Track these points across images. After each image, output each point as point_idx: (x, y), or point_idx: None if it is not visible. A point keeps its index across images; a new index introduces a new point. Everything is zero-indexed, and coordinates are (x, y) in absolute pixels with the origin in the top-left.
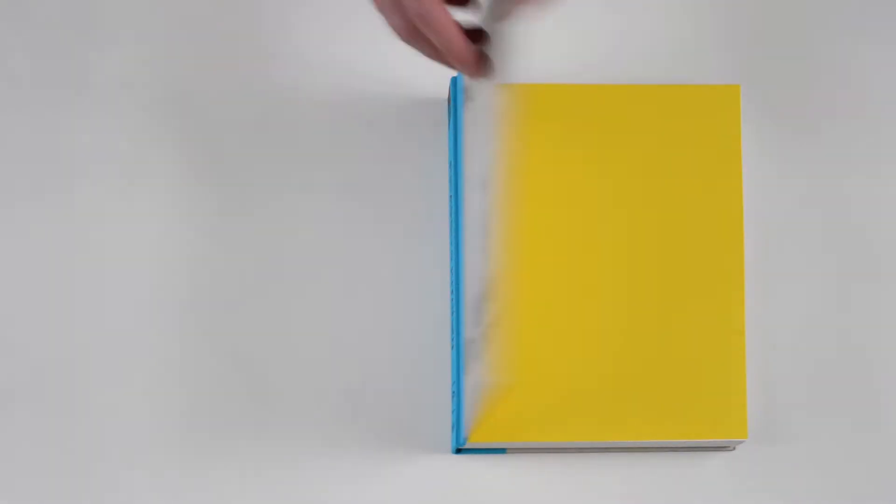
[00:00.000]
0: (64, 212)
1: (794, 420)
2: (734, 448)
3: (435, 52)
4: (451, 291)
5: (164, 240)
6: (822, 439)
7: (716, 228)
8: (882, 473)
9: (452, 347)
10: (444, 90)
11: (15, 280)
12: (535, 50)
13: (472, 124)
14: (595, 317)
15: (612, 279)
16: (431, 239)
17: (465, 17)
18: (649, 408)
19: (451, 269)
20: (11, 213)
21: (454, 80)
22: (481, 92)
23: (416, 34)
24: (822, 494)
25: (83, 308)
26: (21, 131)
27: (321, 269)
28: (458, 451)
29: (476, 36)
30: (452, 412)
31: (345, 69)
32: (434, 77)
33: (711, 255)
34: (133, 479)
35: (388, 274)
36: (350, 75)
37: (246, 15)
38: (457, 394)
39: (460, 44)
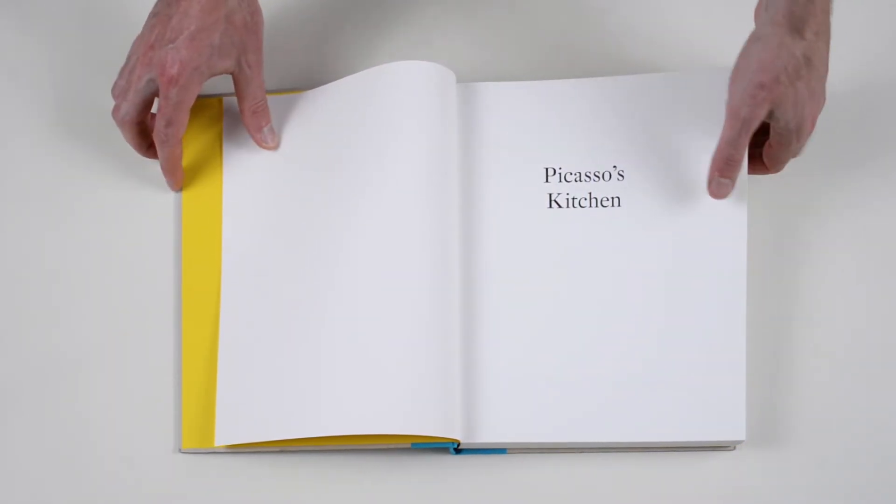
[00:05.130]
0: None
1: (793, 421)
2: (734, 448)
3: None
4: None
5: None
6: (821, 440)
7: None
8: (882, 474)
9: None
10: None
11: None
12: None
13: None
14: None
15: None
16: None
17: None
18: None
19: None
20: None
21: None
22: None
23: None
24: (821, 495)
25: None
26: None
27: None
28: (458, 451)
29: None
30: None
31: None
32: None
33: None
34: None
35: None
36: None
37: None
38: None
39: (177, 172)
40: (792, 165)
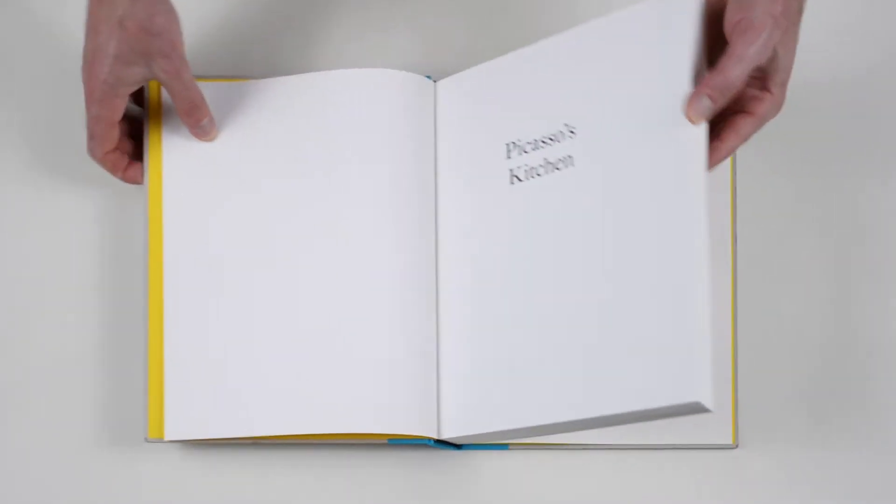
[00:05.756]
0: None
1: (792, 421)
2: (736, 446)
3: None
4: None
5: None
6: (821, 440)
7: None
8: (882, 474)
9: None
10: None
11: None
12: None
13: None
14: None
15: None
16: None
17: None
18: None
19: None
20: None
21: None
22: None
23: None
24: (821, 496)
25: None
26: None
27: None
28: (460, 447)
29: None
30: None
31: None
32: None
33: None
34: None
35: None
36: None
37: None
38: None
39: (119, 173)
40: (792, 159)
